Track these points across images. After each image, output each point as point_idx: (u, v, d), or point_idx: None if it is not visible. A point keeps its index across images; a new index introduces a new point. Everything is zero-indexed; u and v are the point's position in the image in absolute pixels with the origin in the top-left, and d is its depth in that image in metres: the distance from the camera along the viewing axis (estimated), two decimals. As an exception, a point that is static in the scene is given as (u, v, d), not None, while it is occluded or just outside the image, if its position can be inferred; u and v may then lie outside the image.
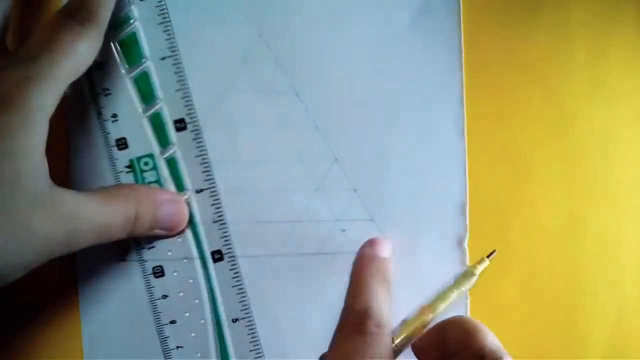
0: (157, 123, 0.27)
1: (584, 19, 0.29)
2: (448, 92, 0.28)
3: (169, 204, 0.26)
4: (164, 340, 0.27)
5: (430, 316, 0.26)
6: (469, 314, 0.29)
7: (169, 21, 0.27)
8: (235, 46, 0.28)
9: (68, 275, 0.27)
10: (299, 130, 0.28)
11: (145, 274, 0.27)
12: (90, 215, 0.23)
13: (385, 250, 0.27)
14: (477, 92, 0.29)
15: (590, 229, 0.30)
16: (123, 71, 0.27)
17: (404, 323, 0.26)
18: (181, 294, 0.27)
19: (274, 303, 0.28)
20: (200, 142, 0.27)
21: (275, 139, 0.28)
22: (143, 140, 0.27)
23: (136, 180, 0.27)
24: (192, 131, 0.27)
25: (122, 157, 0.27)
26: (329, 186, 0.28)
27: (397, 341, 0.25)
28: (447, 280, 0.28)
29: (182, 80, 0.27)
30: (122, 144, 0.27)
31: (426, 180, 0.28)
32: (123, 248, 0.27)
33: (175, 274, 0.27)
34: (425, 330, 0.26)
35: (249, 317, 0.28)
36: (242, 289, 0.28)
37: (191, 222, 0.27)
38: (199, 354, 0.28)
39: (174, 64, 0.27)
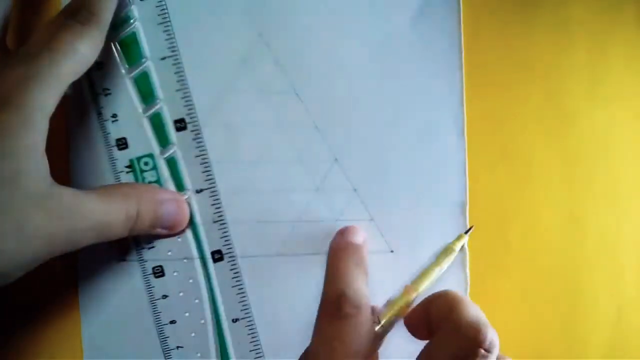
0: (157, 123, 0.27)
1: (584, 18, 0.29)
2: (448, 92, 0.28)
3: (169, 203, 0.26)
4: (164, 340, 0.27)
5: (414, 295, 0.26)
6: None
7: (169, 21, 0.27)
8: (235, 46, 0.28)
9: (68, 275, 0.27)
10: (299, 130, 0.28)
11: (145, 274, 0.27)
12: (91, 213, 0.23)
13: (358, 236, 0.27)
14: (477, 92, 0.29)
15: (590, 229, 0.30)
16: (123, 71, 0.27)
17: (389, 303, 0.26)
18: (181, 294, 0.27)
19: (274, 303, 0.28)
20: (200, 142, 0.27)
21: (275, 139, 0.28)
22: (143, 140, 0.27)
23: (136, 180, 0.27)
24: (192, 131, 0.27)
25: (122, 157, 0.27)
26: (329, 186, 0.28)
27: (382, 321, 0.25)
28: (430, 261, 0.28)
29: (182, 80, 0.27)
30: (122, 144, 0.27)
31: (426, 180, 0.28)
32: (123, 248, 0.27)
33: (175, 274, 0.27)
34: (410, 309, 0.26)
35: (249, 317, 0.28)
36: (242, 289, 0.28)
37: (191, 222, 0.27)
38: (199, 354, 0.28)
39: (174, 64, 0.27)
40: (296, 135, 0.28)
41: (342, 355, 0.23)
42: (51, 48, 0.22)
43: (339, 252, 0.27)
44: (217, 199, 0.27)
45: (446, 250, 0.28)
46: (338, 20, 0.28)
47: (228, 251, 0.28)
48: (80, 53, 0.23)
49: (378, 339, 0.25)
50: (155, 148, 0.27)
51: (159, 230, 0.26)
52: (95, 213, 0.23)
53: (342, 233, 0.28)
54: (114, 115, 0.27)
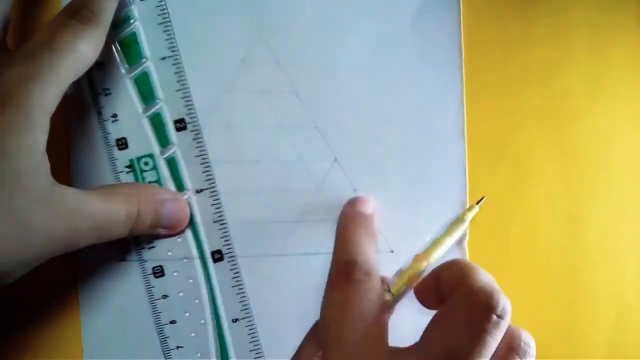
0: (157, 123, 0.27)
1: (584, 19, 0.29)
2: (448, 92, 0.28)
3: (170, 203, 0.26)
4: (164, 340, 0.27)
5: (425, 263, 0.26)
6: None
7: (169, 21, 0.27)
8: (235, 46, 0.28)
9: (68, 275, 0.27)
10: (299, 130, 0.28)
11: (145, 274, 0.27)
12: (92, 213, 0.23)
13: (369, 207, 0.27)
14: (477, 92, 0.29)
15: (590, 229, 0.30)
16: (123, 71, 0.27)
17: (399, 273, 0.26)
18: (181, 294, 0.27)
19: (274, 303, 0.28)
20: (200, 142, 0.27)
21: (275, 139, 0.28)
22: (143, 140, 0.27)
23: (136, 180, 0.27)
24: (192, 131, 0.27)
25: (122, 157, 0.27)
26: (329, 186, 0.28)
27: (392, 289, 0.25)
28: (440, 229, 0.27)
29: (182, 80, 0.27)
30: (122, 144, 0.27)
31: (426, 180, 0.28)
32: (123, 248, 0.27)
33: (175, 274, 0.27)
34: (420, 279, 0.26)
35: (249, 317, 0.28)
36: (242, 289, 0.28)
37: (191, 222, 0.27)
38: (199, 354, 0.28)
39: (174, 64, 0.27)
40: (296, 135, 0.28)
41: (352, 319, 0.23)
42: (52, 48, 0.22)
43: (349, 222, 0.27)
44: (217, 199, 0.27)
45: (458, 220, 0.27)
46: (338, 20, 0.28)
47: (228, 251, 0.28)
48: (80, 53, 0.23)
49: (388, 307, 0.25)
50: (156, 148, 0.27)
51: (159, 230, 0.26)
52: (95, 213, 0.23)
53: (352, 203, 0.27)
54: (114, 115, 0.27)
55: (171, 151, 0.27)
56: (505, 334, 0.22)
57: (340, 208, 0.28)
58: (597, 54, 0.30)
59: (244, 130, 0.28)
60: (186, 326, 0.28)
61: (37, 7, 0.27)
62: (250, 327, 0.28)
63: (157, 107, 0.27)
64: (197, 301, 0.28)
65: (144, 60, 0.27)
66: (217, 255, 0.28)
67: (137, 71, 0.27)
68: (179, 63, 0.27)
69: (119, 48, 0.27)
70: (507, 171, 0.29)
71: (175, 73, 0.27)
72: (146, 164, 0.27)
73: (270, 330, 0.28)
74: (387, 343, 0.23)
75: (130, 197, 0.24)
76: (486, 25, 0.29)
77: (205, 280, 0.28)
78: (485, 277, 0.22)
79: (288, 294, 0.28)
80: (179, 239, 0.27)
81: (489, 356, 0.21)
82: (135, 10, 0.26)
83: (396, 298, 0.25)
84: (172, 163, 0.27)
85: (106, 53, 0.26)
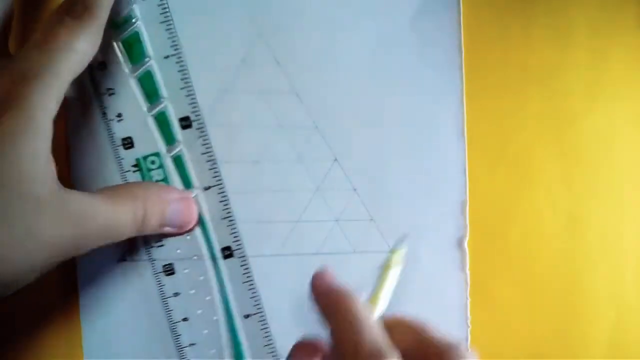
0: (162, 121, 0.27)
1: (584, 19, 0.29)
2: (448, 92, 0.28)
3: (177, 202, 0.26)
4: (176, 338, 0.27)
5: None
6: (468, 314, 0.29)
7: (171, 20, 0.27)
8: (235, 46, 0.28)
9: (69, 276, 0.27)
10: (299, 130, 0.28)
11: (155, 272, 0.27)
12: (99, 217, 0.22)
13: (337, 280, 0.24)
14: (477, 92, 0.29)
15: (590, 229, 0.30)
16: (127, 70, 0.27)
17: None
18: (192, 292, 0.27)
19: (274, 303, 0.28)
20: (206, 139, 0.27)
21: (275, 139, 0.28)
22: (149, 139, 0.27)
23: (143, 180, 0.27)
24: (197, 129, 0.27)
25: (129, 157, 0.27)
26: (329, 186, 0.28)
27: None
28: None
29: (186, 78, 0.27)
30: (127, 143, 0.27)
31: (426, 180, 0.28)
32: (124, 248, 0.27)
33: (185, 271, 0.27)
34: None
35: (261, 312, 0.28)
36: (252, 284, 0.28)
37: (200, 220, 0.27)
38: (213, 351, 0.27)
39: (178, 62, 0.27)
40: (296, 135, 0.28)
41: None
42: (48, 48, 0.22)
43: (337, 300, 0.22)
44: (224, 196, 0.27)
45: (387, 268, 0.26)
46: (338, 20, 0.28)
47: (237, 247, 0.28)
48: (78, 50, 0.22)
49: None
50: (161, 146, 0.27)
51: (168, 229, 0.26)
52: (102, 216, 0.23)
53: (323, 277, 0.24)
54: (119, 115, 0.27)
55: (177, 149, 0.27)
56: None
57: (340, 208, 0.28)
58: (597, 54, 0.30)
59: (244, 130, 0.28)
60: (199, 323, 0.27)
61: (39, 11, 0.27)
62: (262, 323, 0.28)
63: (162, 105, 0.27)
64: (208, 298, 0.27)
65: (147, 59, 0.27)
66: (227, 252, 0.28)
67: (140, 70, 0.27)
68: (182, 61, 0.27)
69: (122, 48, 0.27)
70: (507, 171, 0.29)
71: (179, 71, 0.27)
72: (153, 162, 0.27)
73: (275, 330, 0.28)
74: None
75: (136, 197, 0.24)
76: (486, 25, 0.29)
77: (215, 277, 0.27)
78: (440, 332, 0.21)
79: (288, 294, 0.28)
80: (188, 237, 0.27)
81: None
82: (137, 9, 0.26)
83: None
84: (178, 161, 0.27)
85: (109, 53, 0.26)
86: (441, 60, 0.28)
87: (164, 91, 0.27)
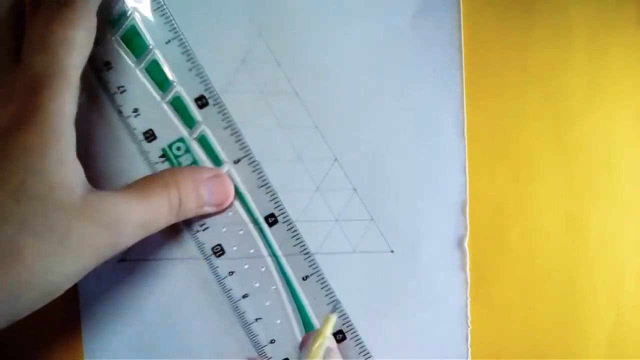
0: (178, 106, 0.27)
1: (584, 18, 0.29)
2: (448, 92, 0.28)
3: (210, 181, 0.26)
4: (241, 316, 0.27)
5: None
6: (468, 314, 0.29)
7: (164, 4, 0.27)
8: (235, 46, 0.28)
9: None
10: (299, 130, 0.28)
11: (206, 256, 0.27)
12: (134, 214, 0.22)
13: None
14: (477, 92, 0.29)
15: (590, 229, 0.30)
16: (132, 65, 0.27)
17: None
18: (246, 266, 0.27)
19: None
20: (226, 113, 0.27)
21: (275, 139, 0.28)
22: (169, 127, 0.27)
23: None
24: (214, 105, 0.27)
25: (154, 148, 0.27)
26: (329, 186, 0.28)
27: None
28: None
29: (192, 58, 0.27)
30: (150, 135, 0.27)
31: (426, 180, 0.28)
32: (177, 232, 0.27)
33: (235, 248, 0.27)
34: None
35: (318, 271, 0.28)
36: (303, 245, 0.28)
37: (237, 193, 0.27)
38: (278, 321, 0.27)
39: (180, 45, 0.27)
40: (296, 135, 0.28)
41: None
42: (48, 47, 0.21)
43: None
44: (257, 165, 0.27)
45: (318, 340, 0.25)
46: (338, 20, 0.28)
47: (281, 212, 0.27)
48: (75, 40, 0.22)
49: None
50: (184, 131, 0.27)
51: (207, 209, 0.26)
52: (137, 212, 0.22)
53: None
54: (135, 110, 0.27)
55: (200, 130, 0.27)
56: None
57: (340, 208, 0.28)
58: (597, 54, 0.30)
59: (244, 130, 0.28)
60: (259, 296, 0.27)
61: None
62: (321, 282, 0.28)
63: (175, 90, 0.27)
64: (263, 269, 0.27)
65: (149, 49, 0.27)
66: (272, 219, 0.27)
67: (145, 61, 0.27)
68: (184, 42, 0.27)
69: (122, 44, 0.26)
70: (507, 171, 0.29)
71: (183, 53, 0.27)
72: (178, 149, 0.27)
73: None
74: None
75: (168, 185, 0.24)
76: (486, 25, 0.29)
77: (265, 246, 0.27)
78: None
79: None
80: (230, 213, 0.27)
81: None
82: (127, 2, 0.26)
83: None
84: (203, 141, 0.27)
85: (112, 52, 0.26)
86: (441, 60, 0.28)
87: (173, 76, 0.27)
